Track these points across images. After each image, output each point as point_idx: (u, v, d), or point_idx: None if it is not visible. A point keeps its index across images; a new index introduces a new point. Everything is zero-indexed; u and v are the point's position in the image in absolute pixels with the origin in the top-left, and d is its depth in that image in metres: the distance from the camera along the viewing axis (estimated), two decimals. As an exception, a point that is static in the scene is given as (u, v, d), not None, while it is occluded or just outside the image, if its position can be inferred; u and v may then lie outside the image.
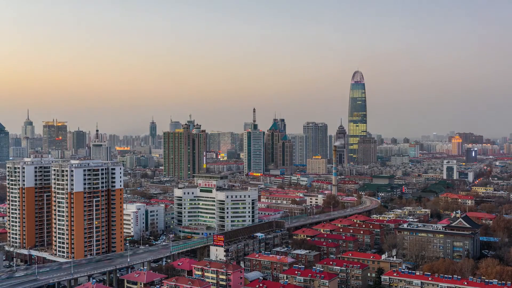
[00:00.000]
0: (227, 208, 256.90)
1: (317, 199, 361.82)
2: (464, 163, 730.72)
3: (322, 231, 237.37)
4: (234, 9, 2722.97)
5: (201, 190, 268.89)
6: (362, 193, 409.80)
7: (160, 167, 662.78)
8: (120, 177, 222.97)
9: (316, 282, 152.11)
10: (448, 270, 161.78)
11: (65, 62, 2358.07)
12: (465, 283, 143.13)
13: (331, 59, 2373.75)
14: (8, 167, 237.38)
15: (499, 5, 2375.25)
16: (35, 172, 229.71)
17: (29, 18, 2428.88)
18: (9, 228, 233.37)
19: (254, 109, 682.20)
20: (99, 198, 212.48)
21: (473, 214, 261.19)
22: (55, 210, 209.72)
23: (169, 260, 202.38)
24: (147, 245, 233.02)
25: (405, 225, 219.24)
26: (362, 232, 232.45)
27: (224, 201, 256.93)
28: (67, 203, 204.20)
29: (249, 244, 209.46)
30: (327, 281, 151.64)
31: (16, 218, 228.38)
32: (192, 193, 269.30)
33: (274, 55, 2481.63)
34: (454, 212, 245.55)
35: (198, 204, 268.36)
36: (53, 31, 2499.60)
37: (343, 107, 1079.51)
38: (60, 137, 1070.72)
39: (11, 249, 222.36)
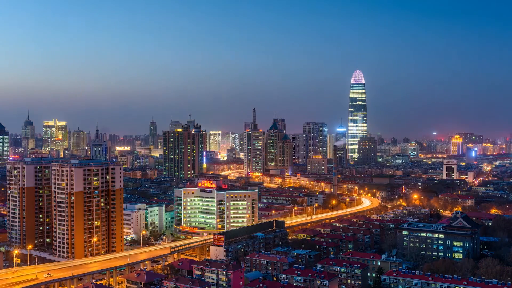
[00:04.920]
0: (227, 208, 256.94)
1: (317, 199, 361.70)
2: (464, 163, 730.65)
3: (322, 231, 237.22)
4: (234, 8, 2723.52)
5: (201, 190, 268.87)
6: (362, 192, 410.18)
7: (160, 167, 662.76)
8: (120, 177, 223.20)
9: (316, 282, 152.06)
10: (448, 270, 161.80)
11: (65, 62, 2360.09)
12: (465, 283, 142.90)
13: (331, 59, 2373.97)
14: (8, 167, 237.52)
15: (499, 2, 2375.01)
16: (35, 172, 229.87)
17: (29, 18, 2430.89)
18: (9, 228, 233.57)
19: (254, 109, 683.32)
20: (99, 198, 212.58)
21: (473, 214, 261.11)
22: (55, 210, 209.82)
23: (169, 260, 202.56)
24: (147, 245, 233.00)
25: (405, 225, 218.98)
26: (362, 232, 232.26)
27: (224, 201, 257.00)
28: (67, 203, 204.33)
29: (249, 244, 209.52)
30: (327, 281, 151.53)
31: (16, 218, 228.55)
32: (192, 193, 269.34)
33: (273, 55, 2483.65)
34: (454, 212, 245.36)
35: (198, 204, 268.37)
36: (53, 31, 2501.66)
37: (343, 107, 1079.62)
38: (60, 137, 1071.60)
39: (11, 249, 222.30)
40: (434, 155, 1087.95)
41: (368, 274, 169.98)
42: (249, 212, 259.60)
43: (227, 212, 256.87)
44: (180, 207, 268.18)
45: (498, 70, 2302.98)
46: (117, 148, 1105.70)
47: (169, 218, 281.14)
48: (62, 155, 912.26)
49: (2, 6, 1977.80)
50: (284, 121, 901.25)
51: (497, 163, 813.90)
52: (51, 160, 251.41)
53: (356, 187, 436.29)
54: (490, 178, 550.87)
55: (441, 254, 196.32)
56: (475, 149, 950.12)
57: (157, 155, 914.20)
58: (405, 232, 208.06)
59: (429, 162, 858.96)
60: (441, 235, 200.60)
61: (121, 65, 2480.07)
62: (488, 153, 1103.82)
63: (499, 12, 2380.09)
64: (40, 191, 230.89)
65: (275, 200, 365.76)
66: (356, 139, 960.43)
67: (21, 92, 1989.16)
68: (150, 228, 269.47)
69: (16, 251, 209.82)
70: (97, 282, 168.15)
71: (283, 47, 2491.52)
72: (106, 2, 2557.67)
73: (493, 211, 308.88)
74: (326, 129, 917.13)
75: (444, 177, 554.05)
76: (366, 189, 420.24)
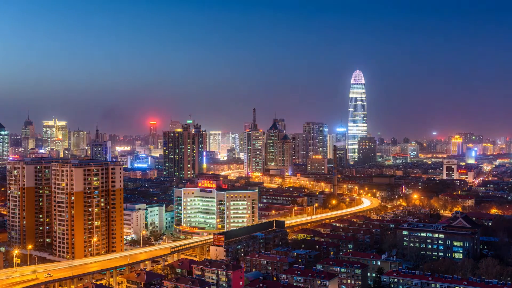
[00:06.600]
0: (227, 208, 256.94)
1: (317, 199, 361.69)
2: (464, 163, 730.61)
3: (322, 231, 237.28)
4: (234, 8, 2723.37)
5: (201, 190, 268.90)
6: (362, 192, 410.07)
7: (160, 167, 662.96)
8: (120, 177, 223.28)
9: (316, 282, 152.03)
10: (448, 270, 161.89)
11: (65, 62, 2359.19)
12: (465, 283, 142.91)
13: (331, 59, 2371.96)
14: (8, 167, 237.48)
15: (495, 3, 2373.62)
16: (35, 172, 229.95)
17: (29, 18, 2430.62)
18: (9, 228, 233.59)
19: (254, 109, 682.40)
20: (99, 198, 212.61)
21: (473, 214, 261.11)
22: (55, 210, 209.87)
23: (169, 260, 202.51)
24: (147, 245, 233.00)
25: (405, 225, 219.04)
26: (362, 232, 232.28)
27: (224, 201, 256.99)
28: (67, 203, 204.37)
29: (249, 244, 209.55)
30: (327, 281, 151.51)
31: (16, 218, 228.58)
32: (192, 193, 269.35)
33: (273, 55, 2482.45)
34: (454, 212, 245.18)
35: (198, 204, 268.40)
36: (53, 31, 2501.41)
37: (343, 107, 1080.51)
38: (60, 137, 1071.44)
39: (11, 249, 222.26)
40: (434, 155, 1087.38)
41: (368, 274, 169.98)
42: (249, 212, 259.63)
43: (227, 212, 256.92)
44: (180, 207, 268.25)
45: (499, 70, 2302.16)
46: (117, 148, 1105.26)
47: (169, 218, 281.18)
48: (62, 155, 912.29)
49: (1, 6, 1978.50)
50: (284, 121, 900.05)
51: (497, 163, 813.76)
52: (51, 160, 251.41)
53: (356, 187, 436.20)
54: (490, 178, 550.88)
55: (441, 254, 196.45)
56: (475, 149, 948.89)
57: (157, 155, 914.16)
58: (405, 232, 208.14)
59: (429, 162, 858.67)
60: (441, 235, 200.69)
61: (121, 65, 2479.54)
62: (488, 153, 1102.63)
63: (499, 13, 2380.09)
64: (40, 191, 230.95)
65: (275, 200, 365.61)
66: (356, 139, 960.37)
67: (21, 92, 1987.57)
68: (150, 228, 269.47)
69: (16, 251, 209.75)
70: (97, 282, 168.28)
71: (283, 47, 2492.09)
72: (107, 2, 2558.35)
73: (493, 211, 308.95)
74: (326, 129, 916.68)
75: (444, 177, 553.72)
76: (366, 189, 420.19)
